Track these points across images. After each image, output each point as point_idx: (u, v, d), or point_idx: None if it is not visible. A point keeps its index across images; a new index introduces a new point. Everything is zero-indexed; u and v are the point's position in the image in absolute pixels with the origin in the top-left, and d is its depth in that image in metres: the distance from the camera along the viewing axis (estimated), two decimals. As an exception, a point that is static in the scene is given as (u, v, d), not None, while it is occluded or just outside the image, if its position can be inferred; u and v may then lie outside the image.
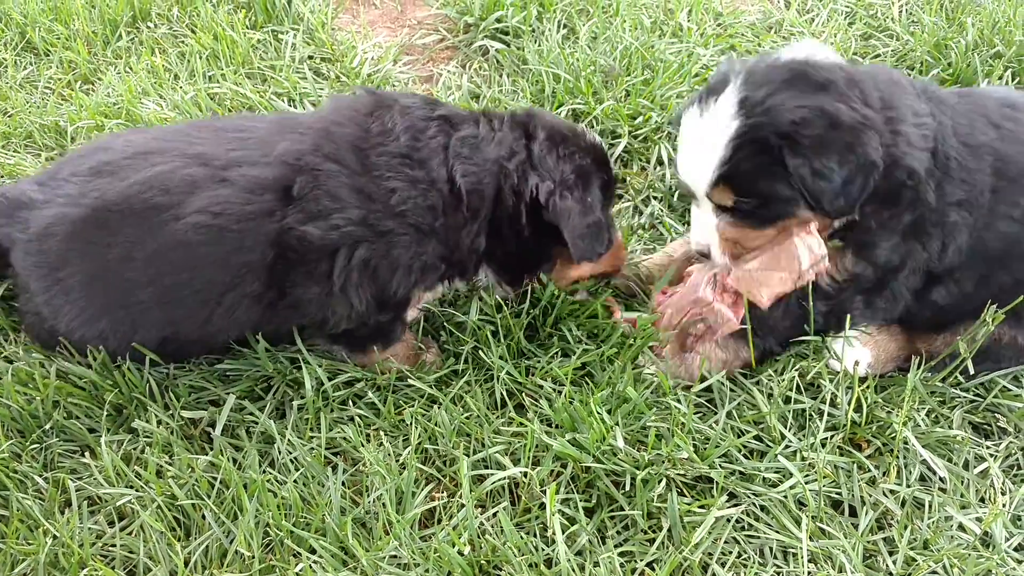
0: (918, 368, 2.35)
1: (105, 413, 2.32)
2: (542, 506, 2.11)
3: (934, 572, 2.05)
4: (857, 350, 2.42)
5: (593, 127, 3.17)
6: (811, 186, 2.09)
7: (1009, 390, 2.42)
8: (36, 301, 2.31)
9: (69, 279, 2.26)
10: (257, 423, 2.32)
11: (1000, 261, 2.29)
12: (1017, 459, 2.31)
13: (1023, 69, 3.30)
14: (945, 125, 2.23)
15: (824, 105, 2.07)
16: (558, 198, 2.29)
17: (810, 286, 2.31)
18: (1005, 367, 2.41)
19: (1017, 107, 2.33)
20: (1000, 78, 3.21)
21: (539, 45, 3.48)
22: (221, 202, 2.18)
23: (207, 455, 2.25)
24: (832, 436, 2.28)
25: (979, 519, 2.13)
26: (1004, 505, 2.18)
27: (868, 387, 2.33)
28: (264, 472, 2.21)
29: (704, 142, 2.19)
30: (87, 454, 2.27)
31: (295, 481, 2.18)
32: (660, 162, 3.11)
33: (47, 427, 2.31)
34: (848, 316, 2.34)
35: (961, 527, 2.13)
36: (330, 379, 2.36)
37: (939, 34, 3.43)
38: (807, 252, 2.25)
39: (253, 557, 2.04)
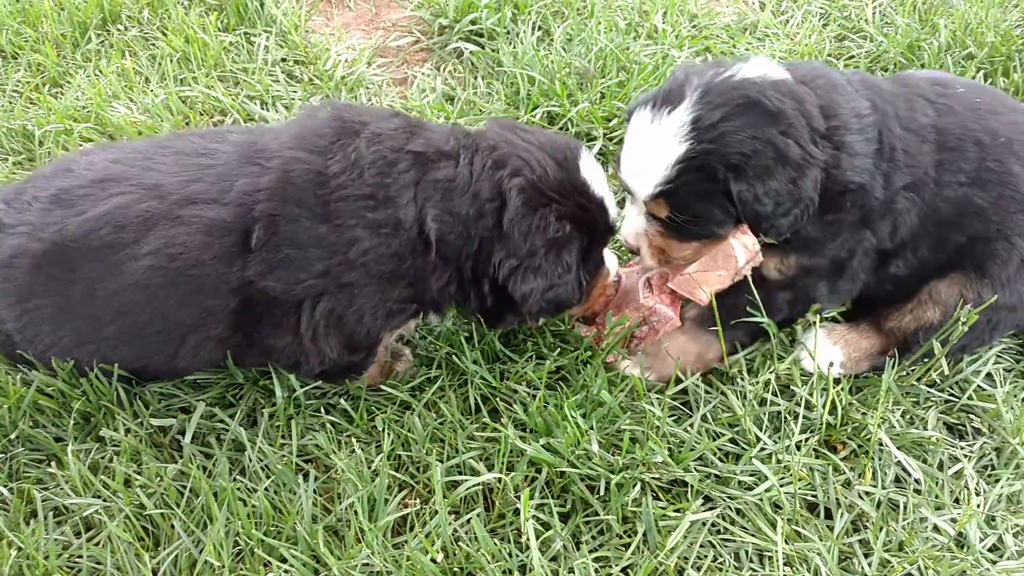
0: (893, 368, 2.35)
1: (72, 422, 2.28)
2: (516, 512, 2.09)
3: (909, 574, 2.04)
4: (828, 350, 2.42)
5: (568, 129, 3.16)
6: (749, 211, 2.16)
7: (983, 390, 2.43)
8: (7, 328, 2.25)
9: (38, 310, 2.20)
10: (228, 430, 2.28)
11: (953, 224, 2.31)
12: (991, 459, 2.31)
13: (995, 70, 3.32)
14: (888, 114, 2.27)
15: (774, 140, 2.11)
16: (519, 278, 2.12)
17: (750, 280, 2.33)
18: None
19: (946, 84, 2.41)
20: (973, 79, 3.22)
21: (514, 47, 3.47)
22: (177, 244, 2.08)
23: (176, 463, 2.22)
24: (808, 439, 2.28)
25: (954, 520, 2.13)
26: (978, 506, 2.18)
27: (843, 389, 2.32)
28: (234, 480, 2.17)
29: (651, 154, 2.19)
30: (53, 464, 2.24)
31: (266, 489, 2.15)
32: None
33: (12, 436, 2.27)
34: (813, 302, 2.38)
35: (936, 528, 2.13)
36: (302, 386, 2.33)
37: (912, 35, 3.44)
38: (743, 250, 2.28)
39: (223, 567, 2.01)
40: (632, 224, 2.37)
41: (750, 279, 2.30)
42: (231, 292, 2.12)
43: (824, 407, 2.28)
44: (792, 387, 2.38)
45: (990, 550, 2.13)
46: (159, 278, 2.10)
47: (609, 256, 2.39)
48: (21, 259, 2.15)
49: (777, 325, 2.38)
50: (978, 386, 2.43)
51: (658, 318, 2.43)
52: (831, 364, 2.39)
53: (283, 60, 3.51)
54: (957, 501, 2.20)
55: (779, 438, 2.27)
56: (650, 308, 2.43)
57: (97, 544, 2.11)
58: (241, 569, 2.04)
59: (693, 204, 2.20)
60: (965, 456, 2.29)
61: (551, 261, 2.12)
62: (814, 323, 2.42)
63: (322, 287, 2.10)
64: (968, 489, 2.21)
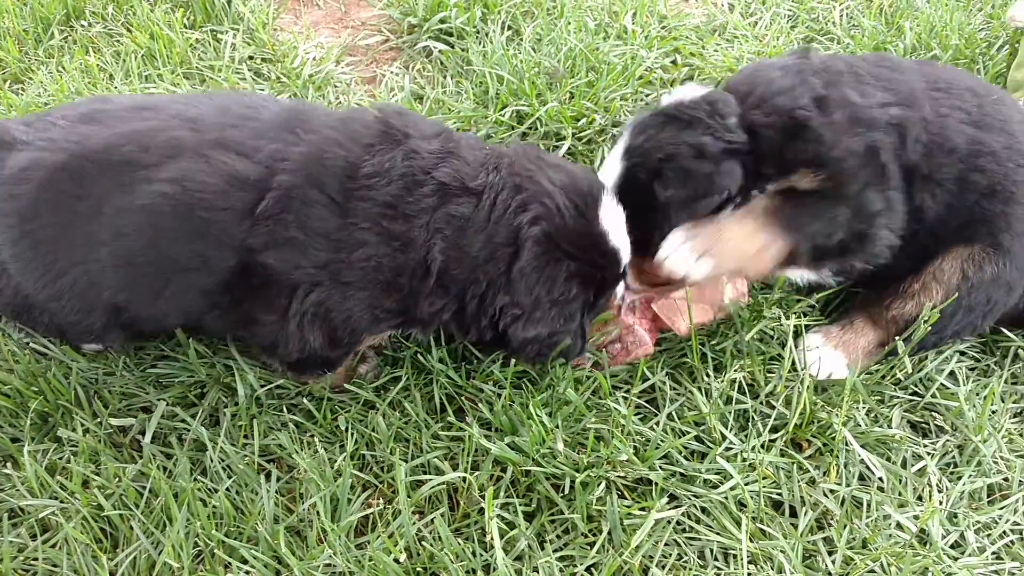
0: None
1: (29, 422, 2.24)
2: (481, 511, 2.08)
3: (872, 571, 2.05)
4: (829, 356, 2.43)
5: (537, 129, 3.15)
6: (679, 213, 2.28)
7: (947, 388, 2.45)
8: (3, 255, 2.18)
9: (39, 231, 2.12)
10: (189, 430, 2.25)
11: (970, 160, 2.32)
12: (954, 457, 2.33)
13: (959, 72, 3.35)
14: (843, 59, 2.43)
15: (690, 140, 2.28)
16: (520, 328, 2.14)
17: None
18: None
19: (928, 61, 2.65)
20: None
21: (483, 46, 3.46)
22: (197, 180, 2.05)
23: (136, 464, 2.19)
24: (775, 439, 2.28)
25: (916, 517, 2.14)
26: (940, 503, 2.19)
27: (808, 388, 2.33)
28: (195, 480, 2.14)
29: (607, 178, 2.41)
30: (9, 465, 2.19)
31: (227, 489, 2.13)
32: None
33: (-33, 437, 2.23)
34: (874, 216, 2.31)
35: (899, 526, 2.14)
36: (264, 386, 2.31)
37: (879, 38, 3.47)
38: (731, 288, 2.36)
39: (182, 568, 1.98)
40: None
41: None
42: (233, 250, 2.08)
43: (796, 407, 2.28)
44: (756, 386, 2.38)
45: (952, 547, 2.14)
46: (167, 207, 2.05)
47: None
48: (33, 172, 2.10)
49: (844, 246, 2.33)
50: (941, 384, 2.45)
51: (633, 339, 2.43)
52: (830, 374, 2.42)
53: (250, 58, 3.47)
54: (920, 498, 2.21)
55: (745, 437, 2.28)
56: (628, 326, 2.43)
57: (53, 546, 2.07)
58: (201, 570, 2.01)
59: (640, 219, 2.31)
60: (928, 454, 2.31)
61: (554, 316, 2.15)
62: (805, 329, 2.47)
63: (318, 278, 2.09)
64: (931, 486, 2.22)
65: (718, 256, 2.26)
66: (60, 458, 2.20)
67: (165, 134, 2.10)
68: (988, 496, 2.26)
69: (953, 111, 2.34)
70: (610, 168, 2.41)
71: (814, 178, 2.29)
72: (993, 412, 2.39)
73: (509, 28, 3.61)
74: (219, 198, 2.05)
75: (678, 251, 2.27)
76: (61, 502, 2.10)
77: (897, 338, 2.39)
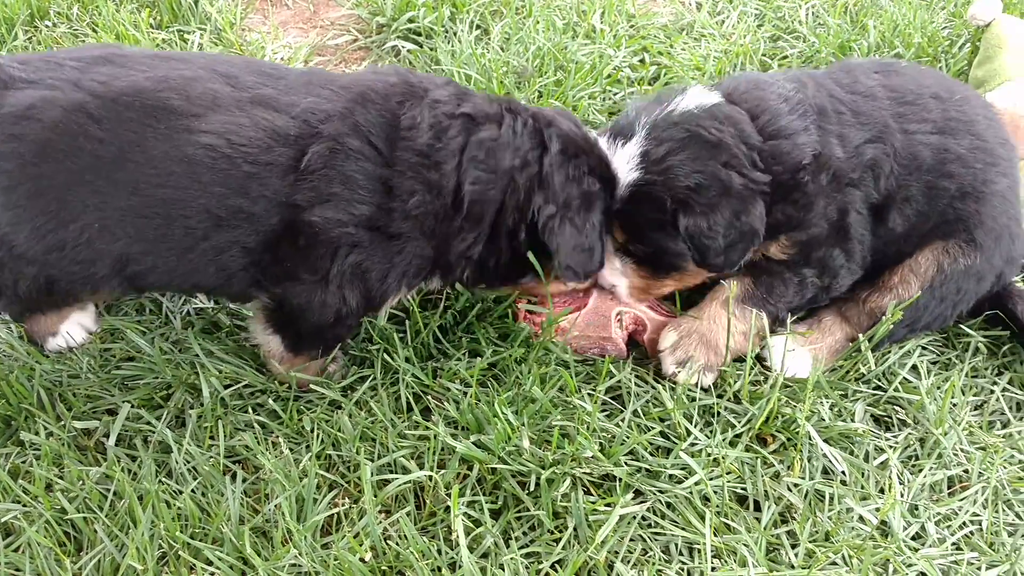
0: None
1: (-9, 426, 2.23)
2: (448, 509, 2.08)
3: (834, 563, 2.07)
4: (797, 354, 2.46)
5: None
6: (698, 244, 2.28)
7: (909, 382, 2.48)
8: None
9: (47, 175, 1.99)
10: (154, 432, 2.24)
11: (938, 170, 2.40)
12: (915, 450, 2.35)
13: (922, 70, 3.39)
14: (824, 84, 2.42)
15: (718, 173, 2.24)
16: (557, 223, 2.23)
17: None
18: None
19: (888, 62, 2.61)
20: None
21: (451, 46, 3.46)
22: (242, 135, 2.04)
23: (100, 467, 2.17)
24: (740, 435, 2.30)
25: (877, 510, 2.16)
26: (901, 495, 2.22)
27: (772, 386, 2.35)
28: (160, 482, 2.14)
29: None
30: (-29, 469, 2.18)
31: (193, 491, 2.12)
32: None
33: (-72, 441, 2.21)
34: (838, 271, 2.44)
35: (861, 518, 2.16)
36: (228, 386, 2.30)
37: (843, 36, 3.51)
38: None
39: (146, 570, 1.97)
40: (609, 264, 2.44)
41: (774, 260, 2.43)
42: (277, 207, 2.08)
43: (763, 407, 2.29)
44: (722, 383, 2.41)
45: (913, 538, 2.17)
46: (210, 160, 2.03)
47: None
48: (44, 111, 1.98)
49: (814, 300, 2.49)
50: (904, 378, 2.48)
51: (613, 348, 2.46)
52: (795, 375, 2.45)
53: (218, 58, 3.45)
54: (882, 491, 2.23)
55: (711, 433, 2.29)
56: (612, 340, 2.46)
57: (16, 550, 2.05)
58: (165, 572, 2.00)
59: (646, 232, 2.34)
60: (890, 447, 2.33)
61: (583, 217, 2.25)
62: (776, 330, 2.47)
63: (358, 237, 2.12)
64: (892, 479, 2.25)
65: (703, 356, 2.39)
66: (23, 462, 2.19)
67: (203, 85, 2.07)
68: (948, 488, 2.29)
69: (920, 124, 2.40)
70: (618, 162, 2.34)
71: (787, 246, 2.41)
72: (954, 405, 2.42)
73: (478, 27, 3.63)
74: (262, 153, 2.05)
75: (666, 358, 2.40)
76: (24, 506, 2.09)
77: (861, 336, 2.43)
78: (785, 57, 3.55)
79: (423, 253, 2.21)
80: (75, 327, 2.48)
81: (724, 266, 2.33)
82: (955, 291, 2.42)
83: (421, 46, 3.54)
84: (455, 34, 3.55)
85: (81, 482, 2.12)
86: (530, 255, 2.29)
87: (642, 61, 3.52)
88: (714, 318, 2.42)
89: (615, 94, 3.33)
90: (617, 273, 2.45)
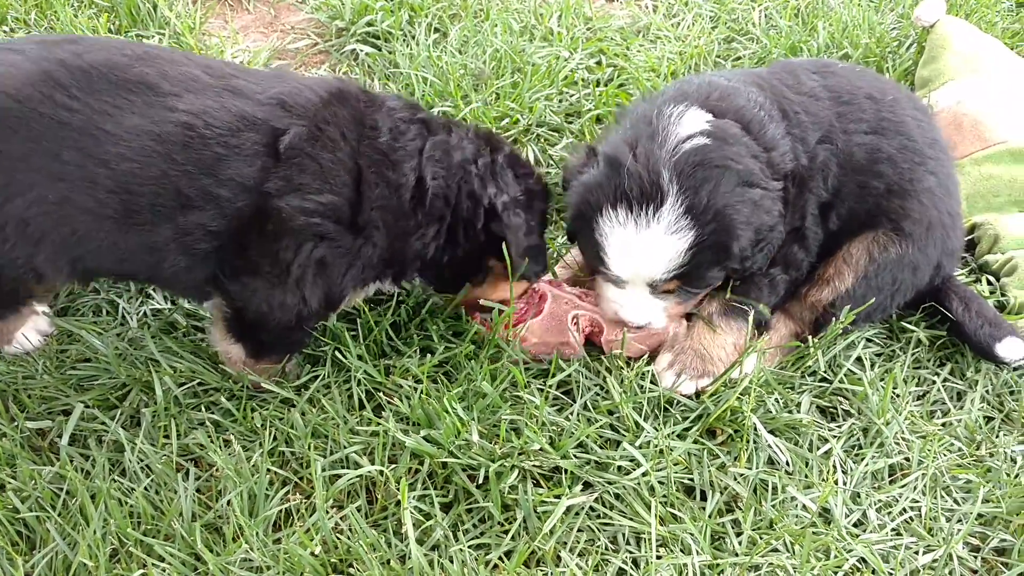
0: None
1: (-56, 427, 2.23)
2: (398, 503, 2.12)
3: (775, 550, 2.12)
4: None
5: (462, 129, 3.20)
6: (746, 259, 2.34)
7: (854, 373, 2.54)
8: None
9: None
10: (108, 431, 2.26)
11: (868, 170, 2.49)
12: (858, 439, 2.42)
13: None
14: (777, 88, 2.49)
15: (753, 197, 2.27)
16: (511, 213, 2.34)
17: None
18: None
19: (824, 61, 2.77)
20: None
21: (409, 49, 3.50)
22: (216, 117, 2.06)
23: (54, 466, 2.19)
24: (691, 427, 2.35)
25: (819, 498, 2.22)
26: (844, 484, 2.28)
27: (719, 379, 2.42)
28: (113, 481, 2.15)
29: (654, 249, 2.26)
30: (-77, 470, 2.18)
31: (146, 488, 2.14)
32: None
33: None
34: (800, 264, 2.54)
35: (804, 507, 2.22)
36: (182, 384, 2.32)
37: (794, 37, 3.58)
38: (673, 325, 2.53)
39: (98, 567, 1.99)
40: (645, 306, 2.42)
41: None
42: (244, 191, 2.09)
43: (720, 406, 2.35)
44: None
45: (855, 525, 2.22)
46: (186, 139, 2.03)
47: None
48: (4, 79, 1.95)
49: (788, 293, 2.58)
50: (849, 370, 2.54)
51: (571, 351, 2.50)
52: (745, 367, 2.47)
53: (176, 62, 3.47)
54: (826, 480, 2.29)
55: (660, 425, 2.34)
56: (570, 344, 2.48)
57: (-32, 550, 2.07)
58: (117, 569, 2.02)
59: (705, 274, 2.36)
60: (834, 437, 2.39)
61: (530, 213, 2.41)
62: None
63: (325, 229, 2.15)
64: (835, 468, 2.30)
65: (699, 366, 2.44)
66: (-25, 463, 2.20)
67: (180, 67, 2.11)
68: (890, 475, 2.35)
69: (856, 124, 2.49)
70: (664, 234, 2.23)
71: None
72: (896, 395, 2.49)
73: (436, 30, 3.66)
74: (233, 136, 2.07)
75: (664, 377, 2.44)
76: (-25, 506, 2.10)
77: (812, 339, 2.52)
78: (739, 58, 3.61)
79: (382, 250, 2.25)
80: (30, 332, 2.49)
81: (753, 270, 2.42)
82: (891, 281, 2.49)
83: (380, 49, 3.57)
84: (413, 37, 3.58)
85: (33, 482, 2.14)
86: (502, 232, 2.33)
87: (599, 63, 3.57)
88: (702, 333, 2.48)
89: (571, 96, 3.37)
90: (658, 312, 2.44)
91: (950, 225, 2.54)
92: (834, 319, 2.49)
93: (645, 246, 2.26)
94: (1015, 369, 2.59)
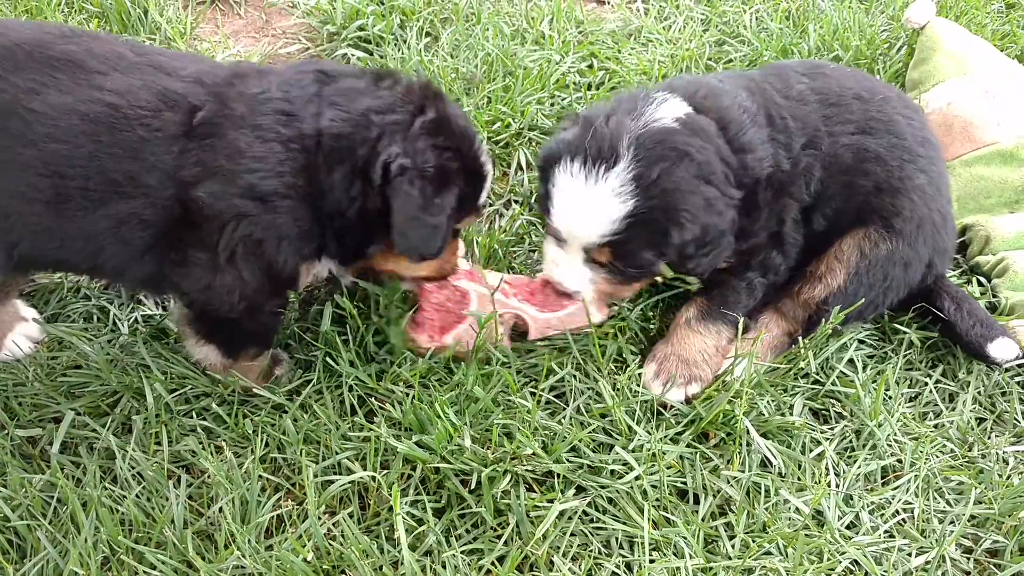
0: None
1: (-66, 436, 2.23)
2: (391, 509, 2.11)
3: (768, 553, 2.12)
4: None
5: (454, 133, 3.20)
6: (682, 255, 2.34)
7: (846, 375, 2.54)
8: None
9: None
10: (99, 439, 2.25)
11: (855, 169, 2.50)
12: (851, 441, 2.42)
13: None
14: (766, 91, 2.50)
15: (706, 192, 2.28)
16: (406, 181, 2.12)
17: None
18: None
19: (816, 64, 2.72)
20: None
21: (401, 53, 3.50)
22: (140, 97, 2.00)
23: (45, 474, 2.18)
24: (683, 431, 2.35)
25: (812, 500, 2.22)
26: (837, 486, 2.28)
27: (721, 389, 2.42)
28: (105, 488, 2.15)
29: (594, 208, 2.29)
30: (-87, 479, 2.18)
31: (137, 496, 2.14)
32: (520, 167, 3.15)
33: None
34: (778, 268, 2.56)
35: (797, 510, 2.22)
36: (173, 391, 2.31)
37: (785, 40, 3.58)
38: (598, 315, 2.51)
39: (90, 575, 1.98)
40: (576, 272, 2.45)
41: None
42: (169, 179, 2.03)
43: (712, 411, 2.35)
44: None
45: (848, 527, 2.23)
46: (111, 120, 1.98)
47: (460, 247, 2.51)
48: None
49: (764, 296, 2.59)
50: (841, 372, 2.54)
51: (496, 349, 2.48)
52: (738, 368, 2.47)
53: (167, 67, 3.46)
54: (818, 482, 2.29)
55: (652, 429, 2.34)
56: (497, 344, 2.46)
57: (-42, 559, 2.06)
58: (108, 577, 2.02)
59: (639, 252, 2.34)
60: (827, 439, 2.39)
61: (435, 185, 2.16)
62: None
63: (245, 208, 2.07)
64: (827, 470, 2.31)
65: (686, 372, 2.45)
66: (-34, 471, 2.19)
67: (107, 45, 2.07)
68: (882, 477, 2.35)
69: (843, 125, 2.50)
70: (607, 194, 2.27)
71: (734, 256, 2.49)
72: (889, 397, 2.49)
73: (427, 34, 3.66)
74: (154, 117, 2.01)
75: (652, 385, 2.45)
76: (-34, 515, 2.09)
77: (803, 340, 2.53)
78: (730, 61, 3.61)
79: (307, 214, 2.14)
80: (20, 339, 2.48)
81: (700, 272, 2.42)
82: (882, 277, 2.50)
83: (371, 54, 3.57)
84: (404, 41, 3.58)
85: (24, 490, 2.13)
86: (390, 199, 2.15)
87: (590, 66, 3.57)
88: (683, 339, 2.49)
89: (563, 99, 3.37)
90: (585, 280, 2.45)
91: (940, 223, 2.55)
92: (823, 321, 2.49)
93: (588, 203, 2.30)
94: (1007, 370, 2.59)
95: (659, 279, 2.51)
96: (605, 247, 2.34)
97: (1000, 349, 2.52)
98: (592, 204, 2.29)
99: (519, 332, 2.53)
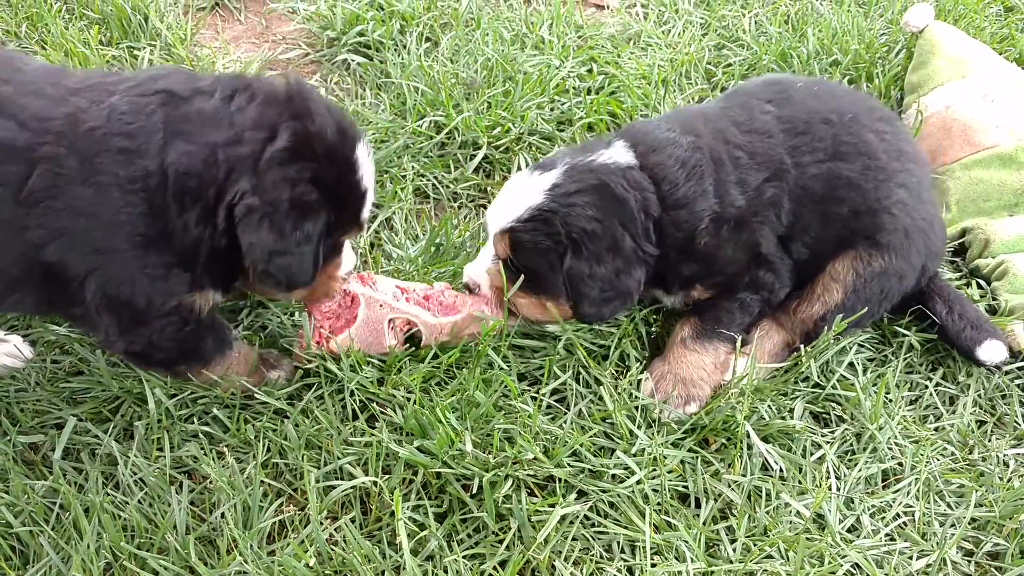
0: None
1: (-64, 442, 2.23)
2: (393, 514, 2.12)
3: (769, 556, 2.13)
4: (738, 364, 2.52)
5: (454, 138, 3.21)
6: (575, 288, 2.38)
7: (846, 379, 2.55)
8: None
9: None
10: (101, 444, 2.26)
11: (829, 198, 2.49)
12: (852, 444, 2.42)
13: (859, 75, 3.48)
14: (719, 131, 2.50)
15: (614, 229, 2.35)
16: (255, 221, 1.96)
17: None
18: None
19: (782, 82, 2.68)
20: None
21: (401, 58, 3.51)
22: None
23: (47, 480, 2.19)
24: (684, 437, 2.36)
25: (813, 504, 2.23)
26: (838, 489, 2.29)
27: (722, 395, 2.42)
28: (107, 494, 2.15)
29: (514, 200, 2.43)
30: (-84, 486, 2.18)
31: (139, 502, 2.14)
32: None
33: None
34: (771, 286, 2.54)
35: (798, 513, 2.22)
36: (174, 396, 2.32)
37: (784, 44, 3.59)
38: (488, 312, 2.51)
39: (91, 582, 1.99)
40: (480, 265, 2.53)
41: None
42: (19, 237, 1.95)
43: (715, 418, 2.36)
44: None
45: (849, 530, 2.23)
46: None
47: (348, 252, 2.35)
48: None
49: (761, 312, 2.58)
50: (841, 376, 2.54)
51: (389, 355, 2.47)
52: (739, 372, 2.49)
53: (168, 74, 3.47)
54: (819, 486, 2.30)
55: (653, 434, 2.35)
56: (388, 351, 2.45)
57: (-39, 565, 2.06)
58: (111, 583, 2.02)
59: (531, 255, 2.40)
60: (827, 442, 2.40)
61: (293, 220, 1.99)
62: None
63: (95, 262, 1.99)
64: (828, 473, 2.31)
65: (683, 391, 2.44)
66: (-32, 478, 2.20)
67: None
68: (883, 481, 2.36)
69: (812, 155, 2.48)
70: (529, 188, 2.42)
71: (706, 289, 2.53)
72: (889, 400, 2.50)
73: (427, 40, 3.67)
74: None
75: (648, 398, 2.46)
76: (-32, 521, 2.10)
77: (805, 348, 2.54)
78: (729, 65, 3.62)
79: (156, 260, 2.02)
80: (3, 358, 2.46)
81: (594, 318, 2.44)
82: (879, 291, 2.50)
83: (371, 59, 3.58)
84: (404, 47, 3.59)
85: (26, 496, 2.13)
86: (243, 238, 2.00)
87: (590, 71, 3.57)
88: (679, 357, 2.49)
89: (563, 104, 3.38)
90: (483, 272, 2.51)
91: (928, 228, 2.54)
92: (825, 329, 2.50)
93: (510, 195, 2.46)
94: (1006, 373, 2.60)
95: (555, 323, 2.50)
96: (506, 234, 2.42)
97: (988, 352, 2.53)
98: (511, 196, 2.45)
99: (413, 338, 2.51)
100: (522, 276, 2.41)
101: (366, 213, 2.24)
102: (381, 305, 2.43)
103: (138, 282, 2.02)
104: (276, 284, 2.11)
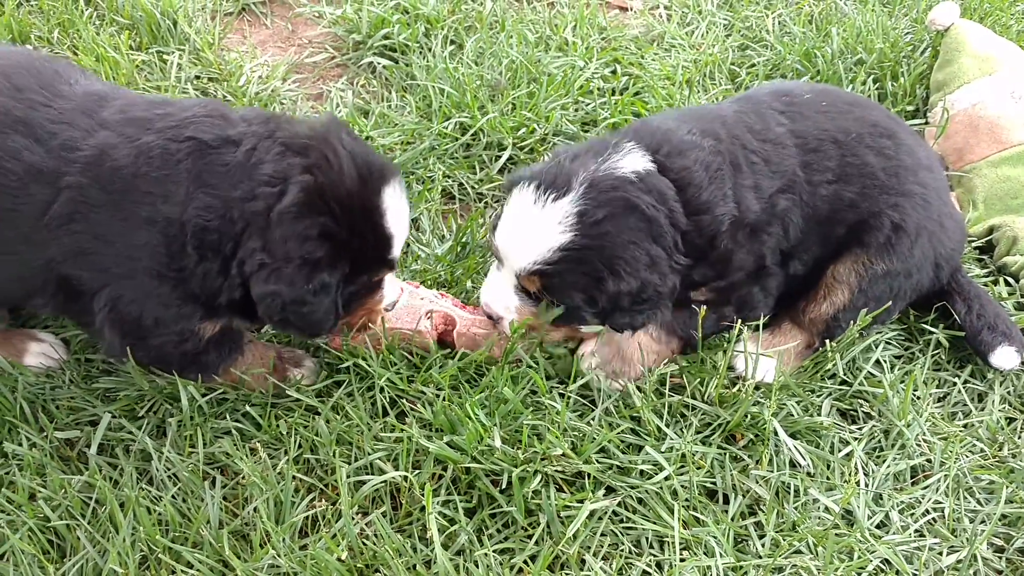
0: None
1: (-25, 438, 2.27)
2: (423, 509, 2.14)
3: (798, 551, 2.13)
4: (764, 363, 2.49)
5: (479, 139, 3.24)
6: (614, 306, 2.29)
7: (873, 376, 2.54)
8: None
9: None
10: (135, 441, 2.29)
11: (831, 219, 2.49)
12: (879, 441, 2.42)
13: (884, 75, 3.48)
14: (738, 136, 2.45)
15: (650, 249, 2.26)
16: (263, 280, 2.02)
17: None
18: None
19: (792, 93, 2.63)
20: (863, 84, 3.37)
21: (426, 61, 3.54)
22: (12, 161, 2.01)
23: (83, 475, 2.22)
24: (711, 435, 2.36)
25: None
26: (866, 485, 2.29)
27: (739, 389, 2.42)
28: (141, 489, 2.19)
29: (534, 232, 2.27)
30: (-45, 480, 2.22)
31: (173, 497, 2.17)
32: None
33: (-87, 454, 2.25)
34: (755, 306, 2.51)
35: (826, 508, 2.22)
36: (205, 394, 2.35)
37: (808, 44, 3.59)
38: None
39: (128, 573, 2.02)
40: (502, 297, 2.42)
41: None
42: (42, 251, 2.08)
43: (736, 414, 2.36)
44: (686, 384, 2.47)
45: (878, 526, 2.23)
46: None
47: (390, 284, 2.32)
48: None
49: (727, 329, 2.50)
50: (868, 373, 2.54)
51: (420, 341, 2.50)
52: (763, 378, 2.48)
53: (197, 78, 3.52)
54: (848, 482, 2.30)
55: (681, 430, 2.36)
56: (420, 332, 2.48)
57: (1, 558, 2.10)
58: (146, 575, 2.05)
59: (566, 290, 2.31)
60: (855, 439, 2.40)
61: (305, 275, 2.02)
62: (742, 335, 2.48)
63: (106, 279, 2.10)
64: (857, 469, 2.31)
65: (617, 364, 2.45)
66: (6, 472, 2.23)
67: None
68: (912, 477, 2.36)
69: (821, 173, 2.46)
70: (548, 221, 2.25)
71: (707, 291, 2.49)
72: (917, 397, 2.49)
73: (452, 42, 3.70)
74: (21, 189, 2.03)
75: (584, 361, 2.45)
76: (7, 515, 2.13)
77: (830, 343, 2.52)
78: (753, 65, 3.63)
79: (170, 298, 2.12)
80: (39, 357, 2.51)
81: (627, 327, 2.37)
82: (887, 290, 2.49)
83: (397, 62, 3.61)
84: (430, 50, 3.62)
85: (63, 490, 2.17)
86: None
87: (614, 72, 3.59)
88: (636, 336, 2.46)
89: (587, 104, 3.40)
90: (511, 308, 2.42)
91: (938, 229, 2.53)
92: (844, 325, 2.50)
93: (528, 226, 2.28)
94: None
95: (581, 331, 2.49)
96: (535, 275, 2.30)
97: (1001, 359, 2.54)
98: (531, 228, 2.28)
99: (447, 343, 2.53)
100: (556, 310, 2.36)
101: (395, 253, 2.21)
102: (422, 297, 2.48)
103: (148, 306, 2.13)
104: (298, 331, 2.23)
